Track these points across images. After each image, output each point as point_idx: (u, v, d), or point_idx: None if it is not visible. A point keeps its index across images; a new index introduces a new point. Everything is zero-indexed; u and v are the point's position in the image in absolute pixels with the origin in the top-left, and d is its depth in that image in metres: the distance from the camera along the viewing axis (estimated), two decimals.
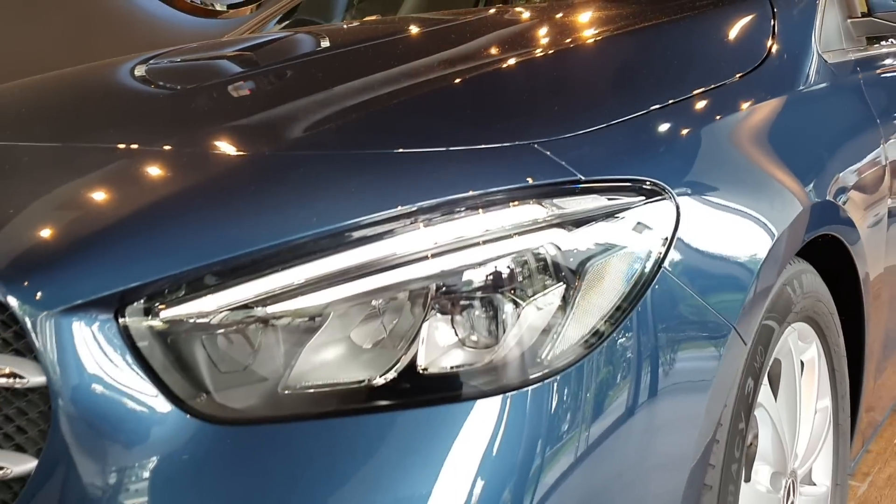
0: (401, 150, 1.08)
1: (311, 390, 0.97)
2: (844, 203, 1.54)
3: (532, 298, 0.99)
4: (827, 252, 1.54)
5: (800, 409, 1.47)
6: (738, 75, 1.42)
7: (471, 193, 1.01)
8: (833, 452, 1.63)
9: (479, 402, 0.95)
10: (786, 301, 1.33)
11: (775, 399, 1.42)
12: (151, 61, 1.81)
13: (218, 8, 4.61)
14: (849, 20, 1.89)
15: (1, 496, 0.99)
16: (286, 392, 0.97)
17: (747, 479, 1.37)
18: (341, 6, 2.85)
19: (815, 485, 1.62)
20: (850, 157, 1.64)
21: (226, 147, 1.17)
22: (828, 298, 1.52)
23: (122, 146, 1.20)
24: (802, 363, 1.52)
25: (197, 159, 1.14)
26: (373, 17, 2.49)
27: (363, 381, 0.97)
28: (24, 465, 0.97)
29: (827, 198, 1.46)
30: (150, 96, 1.60)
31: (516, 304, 0.98)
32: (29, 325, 0.95)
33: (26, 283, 0.97)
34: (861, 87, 1.83)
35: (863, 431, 1.86)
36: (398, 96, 1.26)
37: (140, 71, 1.73)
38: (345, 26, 2.31)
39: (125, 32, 4.27)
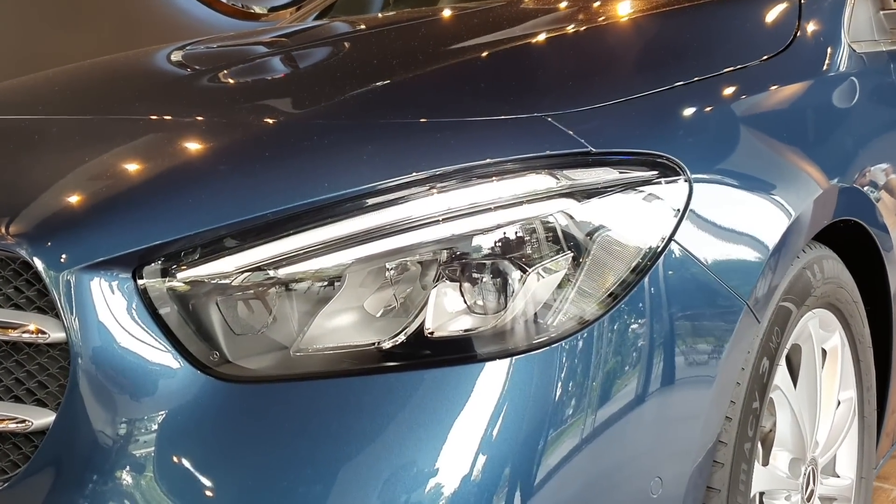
0: (416, 120, 1.10)
1: (322, 352, 0.99)
2: (872, 193, 1.52)
3: (539, 265, 1.00)
4: (854, 243, 1.53)
5: (820, 398, 1.45)
6: (761, 58, 1.41)
7: (483, 162, 1.03)
8: (858, 445, 1.60)
9: (486, 365, 0.96)
10: (805, 284, 1.32)
11: (795, 385, 1.41)
12: (188, 47, 1.85)
13: (258, 11, 4.69)
14: (881, 12, 1.86)
15: (23, 448, 1.03)
16: (298, 354, 1.00)
17: (765, 463, 1.36)
18: (377, 5, 2.89)
19: (838, 476, 1.59)
20: (880, 148, 1.62)
21: (244, 117, 1.20)
22: (852, 286, 1.50)
23: (144, 118, 1.24)
24: (825, 351, 1.50)
25: (216, 128, 1.18)
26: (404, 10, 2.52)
27: (373, 343, 0.99)
28: (44, 418, 1.00)
29: (852, 184, 1.45)
30: (179, 76, 1.64)
31: (524, 271, 0.99)
32: (51, 283, 0.99)
33: (50, 244, 1.01)
34: (894, 79, 1.80)
35: (892, 432, 1.83)
36: (416, 71, 1.29)
37: (176, 56, 1.78)
38: (372, 16, 2.35)
39: (167, 36, 4.35)
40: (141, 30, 4.31)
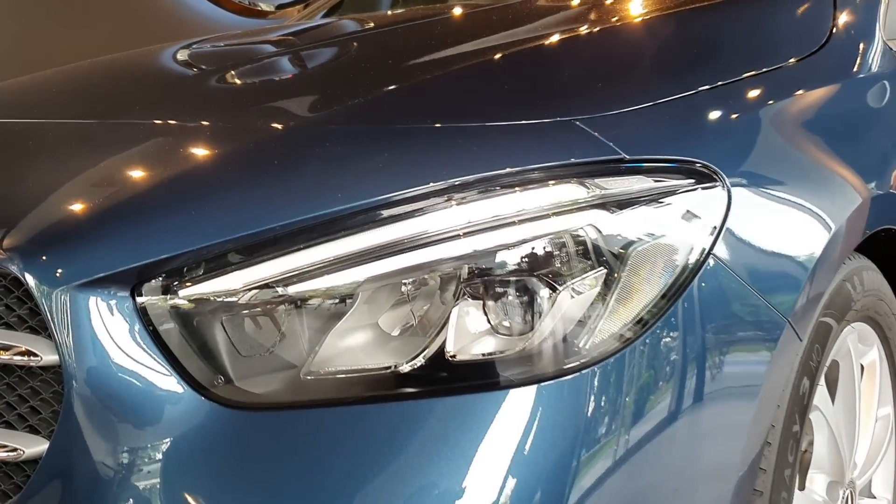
0: (434, 125, 1.03)
1: (335, 376, 0.92)
2: None
3: (570, 283, 0.92)
4: (889, 251, 1.45)
5: (859, 416, 1.38)
6: (798, 57, 1.34)
7: (507, 171, 0.96)
8: (895, 464, 1.53)
9: (511, 392, 0.89)
10: (845, 298, 1.25)
11: (833, 403, 1.33)
12: (193, 46, 1.78)
13: (265, 8, 4.63)
14: None
15: (15, 478, 0.96)
16: (308, 377, 0.93)
17: (801, 488, 1.29)
18: (386, 2, 2.82)
19: (874, 497, 1.52)
20: None
21: (251, 122, 1.14)
22: (891, 298, 1.43)
23: (146, 123, 1.18)
24: (862, 367, 1.43)
25: (221, 134, 1.11)
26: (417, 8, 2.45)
27: (389, 367, 0.92)
28: (36, 446, 0.94)
29: (890, 190, 1.37)
30: (184, 77, 1.58)
31: (553, 289, 0.92)
32: (44, 301, 0.92)
33: (43, 259, 0.95)
34: None
35: None
36: (433, 73, 1.22)
37: (180, 55, 1.71)
38: (383, 13, 2.29)
39: (173, 34, 4.29)
40: (146, 28, 4.25)
